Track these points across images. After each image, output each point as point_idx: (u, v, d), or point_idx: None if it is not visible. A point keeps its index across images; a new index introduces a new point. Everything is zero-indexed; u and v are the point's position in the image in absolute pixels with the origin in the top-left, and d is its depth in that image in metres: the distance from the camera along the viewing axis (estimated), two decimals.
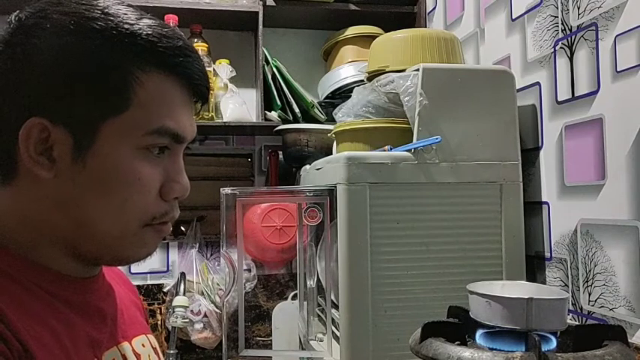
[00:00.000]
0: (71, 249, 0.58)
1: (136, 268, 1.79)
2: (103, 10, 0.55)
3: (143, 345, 0.68)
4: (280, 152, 1.85)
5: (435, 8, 1.71)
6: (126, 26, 0.54)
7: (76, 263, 0.59)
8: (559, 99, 1.09)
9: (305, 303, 1.29)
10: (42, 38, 0.54)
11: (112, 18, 0.54)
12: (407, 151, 1.08)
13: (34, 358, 0.50)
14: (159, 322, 1.80)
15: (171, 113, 0.57)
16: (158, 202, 0.58)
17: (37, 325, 0.52)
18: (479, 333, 0.71)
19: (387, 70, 1.23)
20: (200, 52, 1.70)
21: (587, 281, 1.02)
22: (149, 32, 0.55)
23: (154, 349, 0.71)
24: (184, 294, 1.73)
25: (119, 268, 0.78)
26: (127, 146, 0.55)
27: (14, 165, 0.56)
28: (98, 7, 0.55)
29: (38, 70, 0.53)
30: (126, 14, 0.55)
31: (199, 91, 0.61)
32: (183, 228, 1.87)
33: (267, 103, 1.77)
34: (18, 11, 0.56)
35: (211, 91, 1.74)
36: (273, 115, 1.76)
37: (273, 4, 1.77)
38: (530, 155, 1.17)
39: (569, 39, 1.07)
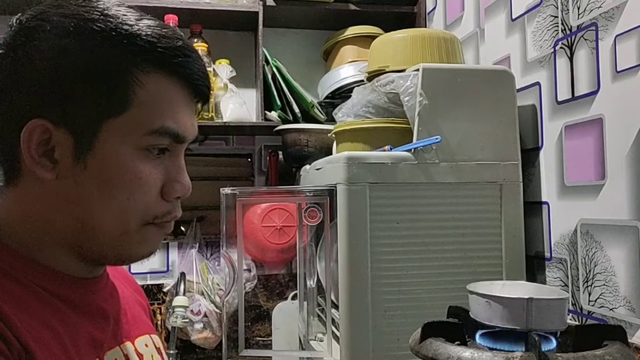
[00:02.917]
0: (75, 249, 0.58)
1: (136, 268, 1.79)
2: (103, 12, 0.55)
3: (146, 345, 0.68)
4: (280, 152, 1.85)
5: (435, 8, 1.71)
6: (125, 27, 0.55)
7: (80, 263, 0.60)
8: (559, 99, 1.09)
9: (305, 303, 1.29)
10: (42, 40, 0.54)
11: (111, 19, 0.55)
12: (407, 151, 1.08)
13: (34, 357, 0.50)
14: (159, 322, 1.80)
15: (171, 113, 0.57)
16: (159, 201, 0.59)
17: (38, 325, 0.52)
18: (479, 333, 0.71)
19: (387, 70, 1.23)
20: (200, 52, 1.70)
21: (587, 281, 1.02)
22: (148, 33, 0.55)
23: (157, 349, 0.71)
24: (184, 294, 1.73)
25: (124, 268, 0.78)
26: (127, 146, 0.55)
27: (17, 166, 0.56)
28: (98, 8, 0.55)
29: (39, 71, 0.54)
30: (125, 15, 0.56)
31: (200, 90, 0.61)
32: (183, 228, 1.87)
33: (267, 103, 1.77)
34: (19, 14, 0.57)
35: (211, 91, 1.73)
36: (273, 115, 1.76)
37: (273, 4, 1.77)
38: (530, 155, 1.17)
39: (569, 39, 1.07)
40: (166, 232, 0.61)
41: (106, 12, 0.55)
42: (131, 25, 0.55)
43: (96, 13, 0.55)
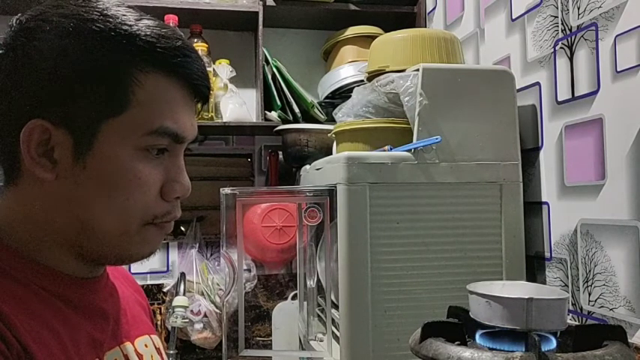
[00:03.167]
0: (75, 249, 0.58)
1: (136, 268, 1.79)
2: (102, 12, 0.55)
3: (146, 345, 0.68)
4: (280, 152, 1.85)
5: (435, 8, 1.71)
6: (124, 27, 0.55)
7: (80, 263, 0.60)
8: (559, 99, 1.09)
9: (305, 303, 1.29)
10: (42, 40, 0.54)
11: (110, 19, 0.55)
12: (407, 151, 1.08)
13: (34, 357, 0.50)
14: (159, 322, 1.80)
15: (170, 113, 0.57)
16: (159, 201, 0.59)
17: (37, 324, 0.52)
18: (479, 333, 0.71)
19: (387, 70, 1.23)
20: (200, 52, 1.70)
21: (587, 281, 1.02)
22: (148, 33, 0.55)
23: (157, 349, 0.71)
24: (184, 294, 1.73)
25: (124, 268, 0.78)
26: (126, 147, 0.55)
27: (17, 166, 0.56)
28: (97, 8, 0.55)
29: (39, 72, 0.54)
30: (125, 15, 0.56)
31: (199, 90, 0.61)
32: (183, 228, 1.87)
33: (267, 103, 1.78)
34: (19, 14, 0.57)
35: (211, 91, 1.74)
36: (273, 115, 1.76)
37: (273, 4, 1.77)
38: (530, 155, 1.17)
39: (569, 39, 1.07)
40: (166, 232, 0.61)
41: (105, 12, 0.55)
42: (130, 26, 0.55)
43: (95, 13, 0.55)
